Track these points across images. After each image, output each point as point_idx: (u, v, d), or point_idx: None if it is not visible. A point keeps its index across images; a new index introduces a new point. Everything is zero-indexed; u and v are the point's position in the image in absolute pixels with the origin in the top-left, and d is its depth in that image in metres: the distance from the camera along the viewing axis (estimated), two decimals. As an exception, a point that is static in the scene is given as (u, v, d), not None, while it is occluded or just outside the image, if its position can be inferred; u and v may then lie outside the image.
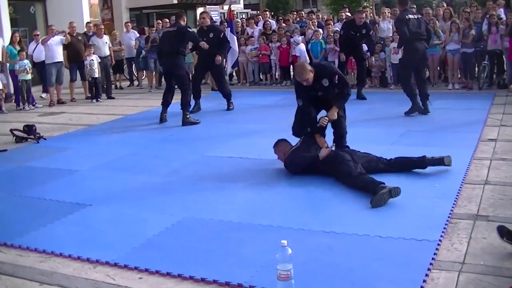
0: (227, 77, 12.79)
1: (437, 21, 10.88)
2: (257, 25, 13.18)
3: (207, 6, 20.62)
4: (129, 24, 14.00)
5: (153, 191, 5.04)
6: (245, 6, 32.03)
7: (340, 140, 5.62)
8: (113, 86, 12.60)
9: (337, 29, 11.54)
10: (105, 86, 11.84)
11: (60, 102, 11.19)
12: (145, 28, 14.01)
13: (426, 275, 3.13)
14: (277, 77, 12.70)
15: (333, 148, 5.41)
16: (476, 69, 10.62)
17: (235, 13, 19.38)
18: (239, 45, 11.92)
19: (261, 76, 12.91)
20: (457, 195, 4.45)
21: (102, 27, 12.71)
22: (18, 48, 10.65)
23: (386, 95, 8.63)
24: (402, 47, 8.48)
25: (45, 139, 7.63)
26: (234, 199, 4.71)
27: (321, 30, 11.78)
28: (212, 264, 3.40)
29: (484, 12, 11.02)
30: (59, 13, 13.59)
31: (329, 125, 5.61)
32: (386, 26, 11.55)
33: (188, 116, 8.25)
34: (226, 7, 17.19)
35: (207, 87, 11.79)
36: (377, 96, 9.62)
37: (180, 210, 4.41)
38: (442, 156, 5.02)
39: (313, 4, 37.36)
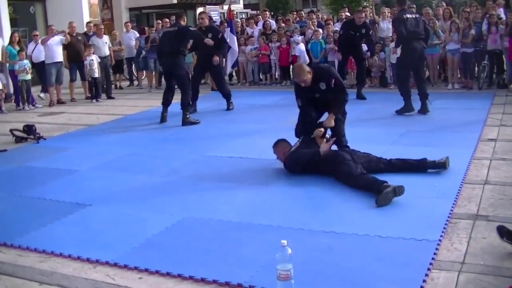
0: (227, 77, 12.80)
1: (436, 21, 10.88)
2: (257, 25, 13.18)
3: (207, 6, 20.63)
4: (129, 24, 14.00)
5: (153, 191, 5.04)
6: (245, 6, 32.02)
7: (338, 142, 5.59)
8: (112, 86, 12.59)
9: (337, 29, 11.54)
10: (105, 86, 11.83)
11: (60, 102, 11.19)
12: (145, 28, 14.00)
13: (426, 275, 3.13)
14: (277, 77, 12.70)
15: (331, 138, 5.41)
16: (476, 69, 10.62)
17: (235, 13, 19.38)
18: (239, 45, 11.92)
19: (261, 76, 12.91)
20: (457, 195, 4.45)
21: (102, 27, 12.70)
22: (17, 48, 10.64)
23: (386, 95, 8.63)
24: (400, 47, 8.49)
25: (44, 139, 7.63)
26: (234, 199, 4.71)
27: (321, 30, 11.78)
28: (212, 264, 3.40)
29: (484, 12, 11.03)
30: (58, 13, 13.59)
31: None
32: (386, 26, 11.55)
33: (188, 116, 8.25)
34: (226, 7, 17.18)
35: (207, 87, 11.80)
36: (377, 96, 9.63)
37: (180, 210, 4.41)
38: (444, 161, 5.02)
39: (313, 4, 37.36)
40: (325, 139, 5.42)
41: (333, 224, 3.95)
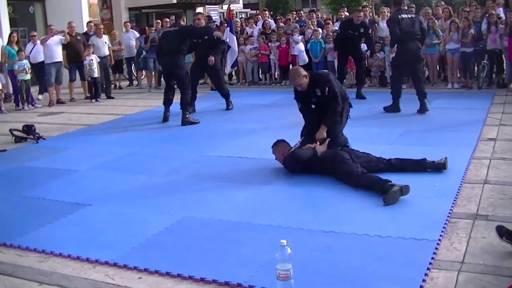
0: (226, 77, 12.80)
1: (436, 21, 10.88)
2: (256, 25, 13.18)
3: (206, 6, 20.64)
4: (128, 24, 14.00)
5: (153, 190, 5.04)
6: (245, 6, 32.04)
7: (333, 144, 5.52)
8: (112, 86, 12.59)
9: (337, 28, 11.54)
10: (104, 86, 11.83)
11: (59, 102, 11.19)
12: (145, 28, 14.00)
13: (426, 274, 3.13)
14: (276, 76, 12.70)
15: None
16: (476, 68, 10.62)
17: (235, 12, 19.39)
18: (238, 45, 11.93)
19: (260, 76, 12.91)
20: (456, 195, 4.45)
21: (102, 27, 12.71)
22: (16, 48, 10.63)
23: (385, 95, 8.63)
24: (395, 47, 8.53)
25: (44, 139, 7.62)
26: (234, 198, 4.71)
27: (320, 30, 11.78)
28: (212, 264, 3.39)
29: (484, 11, 11.04)
30: (58, 13, 13.59)
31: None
32: (386, 26, 11.52)
33: (187, 115, 8.25)
34: (225, 7, 17.16)
35: (206, 87, 11.80)
36: (377, 96, 9.62)
37: (180, 210, 4.41)
38: (444, 162, 5.02)
39: (313, 4, 37.37)
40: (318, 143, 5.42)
41: (333, 224, 3.95)
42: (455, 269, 3.20)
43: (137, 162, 6.15)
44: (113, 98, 11.66)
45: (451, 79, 10.78)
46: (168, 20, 12.70)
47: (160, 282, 3.24)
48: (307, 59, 11.65)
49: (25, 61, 10.49)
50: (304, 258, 3.32)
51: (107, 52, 11.98)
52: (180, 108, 8.28)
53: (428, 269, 3.19)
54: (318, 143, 5.38)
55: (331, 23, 12.47)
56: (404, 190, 4.33)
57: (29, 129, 7.68)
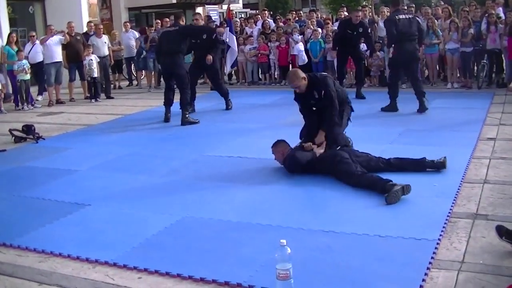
0: (226, 77, 12.80)
1: (435, 20, 10.88)
2: (256, 25, 13.18)
3: (206, 6, 20.63)
4: (128, 24, 13.98)
5: (153, 190, 5.04)
6: (244, 6, 32.04)
7: (333, 144, 5.47)
8: (111, 86, 12.58)
9: (336, 28, 11.54)
10: (104, 86, 11.83)
11: (59, 102, 11.19)
12: (146, 28, 13.99)
13: (425, 274, 3.13)
14: (276, 76, 12.70)
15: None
16: (475, 68, 10.62)
17: (234, 12, 19.38)
18: (238, 45, 11.93)
19: (260, 76, 12.91)
20: (456, 194, 4.45)
21: (101, 27, 12.70)
22: (15, 48, 10.62)
23: (385, 94, 8.62)
24: (392, 47, 8.56)
25: (44, 139, 7.62)
26: (234, 198, 4.71)
27: (320, 30, 11.78)
28: (211, 264, 3.39)
29: (483, 11, 11.03)
30: (58, 13, 13.58)
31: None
32: (385, 26, 11.55)
33: (187, 115, 8.25)
34: (225, 7, 17.16)
35: (206, 87, 11.79)
36: (376, 95, 9.62)
37: (180, 210, 4.41)
38: (443, 161, 5.02)
39: (312, 4, 37.37)
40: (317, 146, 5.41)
41: (333, 224, 3.95)
42: (455, 268, 3.20)
43: (137, 162, 6.15)
44: (112, 98, 11.66)
45: (450, 78, 10.78)
46: (168, 20, 12.69)
47: (160, 282, 3.24)
48: (306, 59, 11.65)
49: (25, 61, 10.48)
50: (304, 258, 3.32)
51: (106, 52, 11.97)
52: (180, 108, 8.27)
53: (428, 268, 3.19)
54: (317, 145, 5.37)
55: (330, 23, 12.47)
56: (405, 189, 4.34)
57: (28, 129, 7.68)
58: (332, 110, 5.43)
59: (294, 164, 5.18)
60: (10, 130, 7.73)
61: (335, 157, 5.01)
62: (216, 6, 21.85)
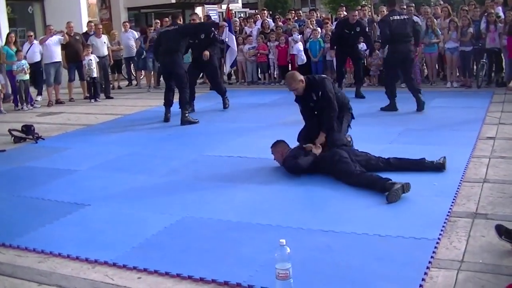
0: (225, 77, 12.79)
1: (435, 20, 10.88)
2: (255, 24, 13.17)
3: (205, 6, 20.61)
4: (127, 23, 13.96)
5: (152, 190, 5.04)
6: (244, 5, 32.02)
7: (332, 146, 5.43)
8: (111, 86, 12.57)
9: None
10: (103, 86, 11.82)
11: (58, 102, 11.18)
12: (146, 28, 13.97)
13: (425, 273, 3.13)
14: (275, 76, 12.70)
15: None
16: (475, 67, 10.62)
17: (233, 12, 19.38)
18: (237, 45, 11.92)
19: (259, 76, 12.91)
20: (456, 193, 4.45)
21: (101, 27, 12.69)
22: (14, 48, 10.60)
23: (384, 94, 8.64)
24: (386, 47, 8.62)
25: (43, 139, 7.62)
26: (233, 198, 4.71)
27: (319, 29, 11.78)
28: (211, 264, 3.39)
29: (483, 10, 11.04)
30: (57, 13, 13.57)
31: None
32: (383, 26, 11.54)
33: (187, 115, 8.26)
34: (224, 7, 17.15)
35: (205, 87, 11.79)
36: (376, 95, 9.60)
37: (179, 210, 4.41)
38: (442, 162, 5.01)
39: (311, 3, 37.35)
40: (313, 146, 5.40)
41: (332, 223, 3.95)
42: (454, 268, 3.20)
43: (137, 162, 6.15)
44: (112, 98, 11.65)
45: (450, 78, 10.78)
46: (167, 19, 12.69)
47: (160, 282, 3.24)
48: (305, 59, 11.65)
49: (24, 61, 10.47)
50: (303, 258, 3.32)
51: (106, 52, 11.97)
52: (179, 108, 8.28)
53: (427, 268, 3.19)
54: (317, 146, 5.35)
55: (330, 22, 12.47)
56: (405, 187, 4.34)
57: (28, 129, 7.68)
58: (330, 111, 5.39)
59: (295, 169, 5.16)
60: (9, 130, 7.73)
61: (334, 156, 5.01)
62: (216, 6, 21.83)
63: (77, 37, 11.51)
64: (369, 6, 13.50)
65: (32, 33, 11.49)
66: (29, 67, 10.58)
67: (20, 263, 3.60)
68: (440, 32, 10.69)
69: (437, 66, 11.40)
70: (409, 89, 8.30)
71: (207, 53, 8.85)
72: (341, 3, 19.31)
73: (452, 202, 4.24)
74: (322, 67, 11.66)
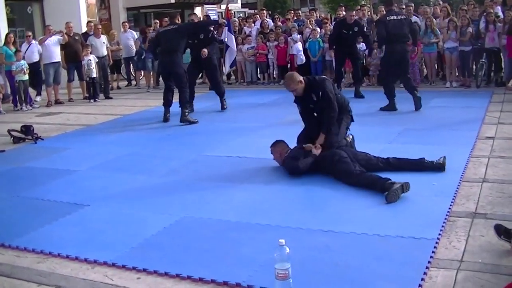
0: (225, 77, 12.78)
1: (434, 19, 10.89)
2: (254, 24, 13.17)
3: (205, 6, 20.61)
4: (126, 24, 13.95)
5: (152, 190, 5.04)
6: (243, 5, 31.99)
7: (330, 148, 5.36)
8: (110, 86, 12.56)
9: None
10: (102, 86, 11.82)
11: (57, 102, 11.18)
12: (145, 28, 13.96)
13: (425, 273, 3.13)
14: (274, 76, 12.70)
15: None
16: (474, 67, 10.63)
17: (233, 12, 19.37)
18: (237, 44, 11.91)
19: (258, 76, 12.91)
20: (455, 193, 4.45)
21: (100, 27, 12.68)
22: (13, 49, 10.59)
23: (383, 94, 8.65)
24: (383, 47, 8.65)
25: (42, 139, 7.62)
26: (233, 198, 4.71)
27: (318, 29, 11.78)
28: (210, 264, 3.39)
29: (482, 10, 11.05)
30: (56, 13, 13.56)
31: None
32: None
33: (186, 113, 8.26)
34: (223, 7, 17.14)
35: (204, 87, 11.79)
36: (375, 95, 9.61)
37: (179, 210, 4.41)
38: (442, 162, 5.01)
39: (311, 3, 37.33)
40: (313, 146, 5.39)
41: (332, 223, 3.94)
42: (454, 267, 3.20)
43: (136, 162, 6.15)
44: (111, 98, 11.65)
45: (449, 77, 10.78)
46: (166, 20, 12.69)
47: (159, 282, 3.24)
48: (304, 59, 11.65)
49: (23, 62, 10.46)
50: (303, 258, 3.32)
51: (105, 52, 11.97)
52: (179, 107, 8.28)
53: (427, 267, 3.19)
54: (317, 147, 5.35)
55: (329, 22, 12.48)
56: (405, 187, 4.34)
57: (27, 130, 7.67)
58: (330, 111, 5.35)
59: (294, 171, 5.14)
60: (8, 131, 7.72)
61: (334, 156, 5.01)
62: (215, 6, 21.83)
63: (76, 37, 11.51)
64: (368, 6, 13.52)
65: (30, 33, 11.44)
66: (28, 67, 10.57)
67: (19, 264, 3.60)
68: (439, 32, 10.70)
69: (436, 66, 11.42)
70: (406, 88, 8.34)
71: (205, 50, 8.83)
72: (340, 3, 19.34)
73: (452, 202, 4.25)
74: (322, 67, 11.66)
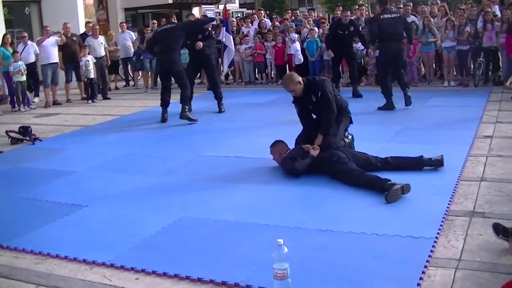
0: (222, 77, 12.78)
1: (432, 19, 10.90)
2: (252, 24, 13.17)
3: (203, 6, 20.62)
4: (124, 24, 13.95)
5: (150, 191, 5.03)
6: (241, 5, 32.05)
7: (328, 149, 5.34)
8: (108, 86, 12.55)
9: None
10: (100, 87, 11.81)
11: (55, 103, 11.16)
12: (143, 29, 13.95)
13: (423, 272, 3.13)
14: (272, 76, 12.70)
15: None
16: (472, 66, 10.63)
17: (231, 12, 19.38)
18: (235, 45, 11.91)
19: (256, 75, 12.91)
20: (453, 192, 4.45)
21: (97, 27, 12.67)
22: (10, 50, 10.57)
23: (381, 93, 8.66)
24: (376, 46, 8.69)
25: (40, 140, 7.61)
26: (231, 198, 4.70)
27: (316, 29, 11.79)
28: (209, 264, 3.39)
29: (479, 9, 11.06)
30: (54, 14, 13.55)
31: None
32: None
33: (186, 110, 8.27)
34: (221, 7, 17.17)
35: (203, 87, 11.79)
36: (373, 94, 9.61)
37: (177, 210, 4.40)
38: (440, 158, 5.01)
39: (309, 3, 37.35)
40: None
41: (330, 223, 3.94)
42: (452, 266, 3.21)
43: (134, 162, 6.14)
44: (109, 98, 11.64)
45: (447, 77, 10.79)
46: (164, 20, 12.66)
47: (157, 282, 3.23)
48: (302, 59, 11.65)
49: (21, 63, 10.44)
50: (301, 257, 3.32)
51: (103, 53, 11.95)
52: (180, 103, 8.28)
53: (425, 267, 3.19)
54: (314, 147, 5.34)
55: (326, 22, 12.48)
56: (405, 188, 4.34)
57: (25, 131, 7.67)
58: (329, 112, 5.33)
59: (291, 172, 5.14)
60: (6, 132, 7.71)
61: (333, 157, 5.00)
62: (213, 6, 21.85)
63: (74, 38, 11.50)
64: (366, 5, 13.53)
65: (25, 34, 11.39)
66: (25, 68, 10.55)
67: (17, 265, 3.60)
68: (437, 31, 10.70)
69: (434, 65, 11.42)
70: (399, 83, 8.39)
71: (199, 43, 8.80)
72: (338, 2, 19.35)
73: (450, 201, 4.25)
74: (319, 66, 11.67)
